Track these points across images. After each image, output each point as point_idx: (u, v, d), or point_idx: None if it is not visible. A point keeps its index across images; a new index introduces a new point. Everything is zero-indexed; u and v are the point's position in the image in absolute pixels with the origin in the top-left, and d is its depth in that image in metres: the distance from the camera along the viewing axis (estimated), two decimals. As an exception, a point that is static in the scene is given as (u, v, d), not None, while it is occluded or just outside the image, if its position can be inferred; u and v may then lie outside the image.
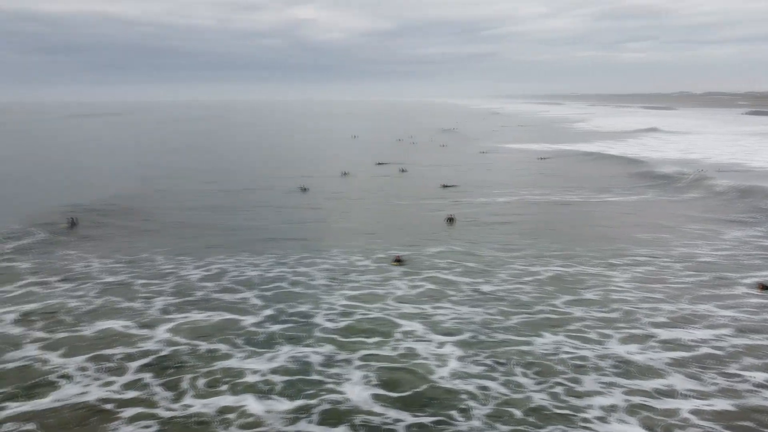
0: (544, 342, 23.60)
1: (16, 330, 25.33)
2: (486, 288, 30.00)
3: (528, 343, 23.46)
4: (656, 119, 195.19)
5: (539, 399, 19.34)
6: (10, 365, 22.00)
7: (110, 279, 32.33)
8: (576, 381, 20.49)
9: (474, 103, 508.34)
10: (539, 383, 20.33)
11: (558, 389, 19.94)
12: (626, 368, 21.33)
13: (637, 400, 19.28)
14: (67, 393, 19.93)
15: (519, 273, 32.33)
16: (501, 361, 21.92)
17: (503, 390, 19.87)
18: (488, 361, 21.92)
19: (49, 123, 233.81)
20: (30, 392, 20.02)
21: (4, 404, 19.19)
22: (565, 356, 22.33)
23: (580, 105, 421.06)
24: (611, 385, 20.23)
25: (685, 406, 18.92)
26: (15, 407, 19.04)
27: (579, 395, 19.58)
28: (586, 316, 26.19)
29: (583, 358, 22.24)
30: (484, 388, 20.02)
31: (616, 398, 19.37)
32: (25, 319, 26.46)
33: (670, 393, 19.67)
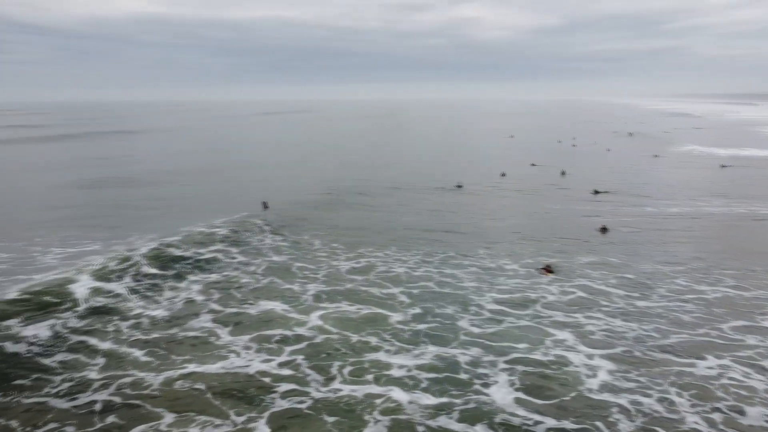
0: (707, 365, 22.73)
1: (200, 298, 30.01)
2: (642, 303, 28.95)
3: (687, 365, 22.76)
4: None
5: (693, 422, 18.96)
6: (191, 333, 25.98)
7: (275, 258, 36.91)
8: (739, 411, 19.54)
9: (650, 103, 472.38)
10: (695, 406, 19.85)
11: (716, 416, 19.33)
12: (805, 407, 19.52)
13: (814, 443, 17.55)
14: (232, 363, 23.05)
15: (681, 290, 30.75)
16: (656, 378, 21.52)
17: (656, 407, 19.64)
18: (641, 378, 21.61)
19: (239, 120, 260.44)
20: (202, 358, 23.52)
21: (183, 365, 22.83)
22: (728, 383, 21.21)
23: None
24: (782, 421, 18.56)
25: None
26: (191, 368, 22.60)
27: (740, 427, 18.71)
28: (760, 345, 24.58)
29: (750, 389, 20.99)
30: (635, 403, 19.89)
31: (787, 438, 17.78)
32: (206, 290, 31.18)
33: None
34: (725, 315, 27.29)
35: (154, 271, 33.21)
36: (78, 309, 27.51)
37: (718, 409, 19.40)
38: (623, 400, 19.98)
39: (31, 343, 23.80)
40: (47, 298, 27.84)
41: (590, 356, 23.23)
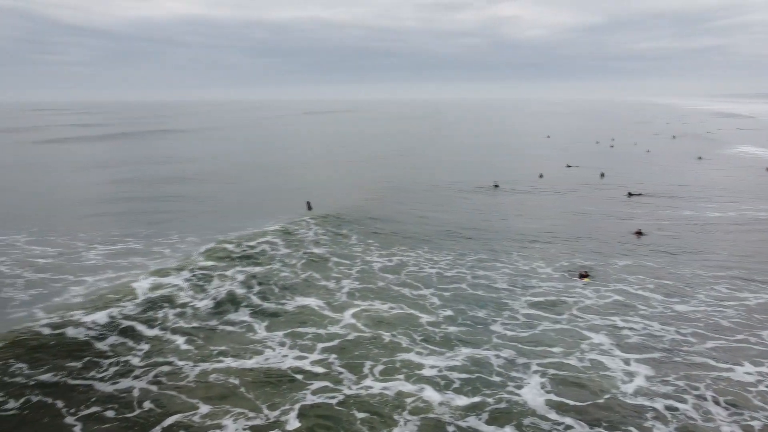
0: (745, 371, 22.29)
1: (241, 291, 30.53)
2: (680, 307, 28.49)
3: (724, 370, 22.29)
4: None
5: (730, 431, 18.21)
6: (229, 328, 26.60)
7: (315, 250, 37.95)
8: (778, 420, 18.57)
9: (695, 103, 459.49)
10: (732, 414, 19.39)
11: (754, 424, 18.84)
12: None
13: None
14: (266, 359, 23.49)
15: (722, 296, 30.14)
16: (693, 383, 21.14)
17: (691, 414, 19.30)
18: (679, 382, 21.25)
19: (282, 120, 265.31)
20: (238, 351, 24.10)
21: (219, 358, 23.45)
22: (767, 390, 20.38)
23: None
24: (824, 431, 18.01)
25: None
26: (227, 362, 23.16)
27: (780, 437, 17.78)
28: (802, 352, 23.40)
29: (790, 397, 20.00)
30: (671, 408, 19.58)
31: (828, 449, 17.25)
32: (248, 282, 31.71)
33: None
34: (766, 322, 26.55)
35: (209, 263, 33.74)
36: (136, 299, 28.29)
37: (755, 418, 18.99)
38: (659, 404, 19.71)
39: (89, 329, 24.72)
40: (111, 295, 28.75)
41: (626, 360, 22.93)
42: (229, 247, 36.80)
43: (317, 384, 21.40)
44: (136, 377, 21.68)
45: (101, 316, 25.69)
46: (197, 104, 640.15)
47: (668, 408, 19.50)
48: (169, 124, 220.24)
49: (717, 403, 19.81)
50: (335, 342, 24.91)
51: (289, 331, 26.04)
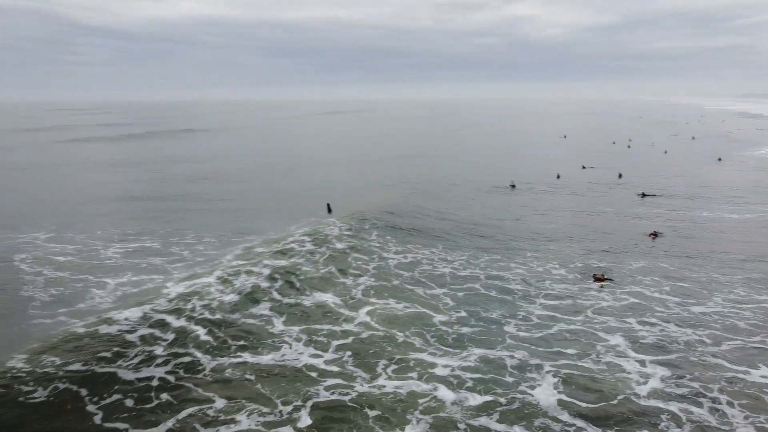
0: (761, 374, 22.03)
1: (264, 284, 31.00)
2: (696, 309, 28.32)
3: (741, 372, 22.06)
4: None
5: None
6: (249, 321, 26.91)
7: (338, 245, 38.58)
8: (795, 423, 18.38)
9: (714, 103, 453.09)
10: (747, 417, 19.16)
11: None
12: None
13: None
14: (282, 355, 23.70)
15: (739, 299, 29.85)
16: (708, 385, 20.95)
17: (706, 417, 19.13)
18: (694, 385, 21.08)
19: (299, 120, 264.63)
20: (255, 346, 24.36)
21: (238, 353, 23.71)
22: (784, 393, 20.13)
23: None
24: (841, 436, 17.76)
25: None
26: (244, 356, 23.43)
27: (797, 440, 17.60)
28: (820, 356, 23.11)
29: (807, 400, 19.76)
30: (686, 411, 19.42)
31: None
32: (271, 275, 32.18)
33: None
34: (784, 324, 26.25)
35: (240, 262, 34.28)
36: (170, 296, 28.78)
37: (772, 421, 18.81)
38: (673, 407, 19.57)
39: (121, 324, 25.20)
40: (141, 298, 29.16)
41: (641, 361, 22.79)
42: (259, 249, 37.33)
43: (330, 381, 21.54)
44: (157, 365, 22.09)
45: (134, 313, 26.29)
46: (212, 104, 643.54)
47: (683, 410, 19.36)
48: (187, 123, 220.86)
49: (732, 406, 19.63)
50: (349, 339, 25.05)
51: (305, 327, 26.22)
